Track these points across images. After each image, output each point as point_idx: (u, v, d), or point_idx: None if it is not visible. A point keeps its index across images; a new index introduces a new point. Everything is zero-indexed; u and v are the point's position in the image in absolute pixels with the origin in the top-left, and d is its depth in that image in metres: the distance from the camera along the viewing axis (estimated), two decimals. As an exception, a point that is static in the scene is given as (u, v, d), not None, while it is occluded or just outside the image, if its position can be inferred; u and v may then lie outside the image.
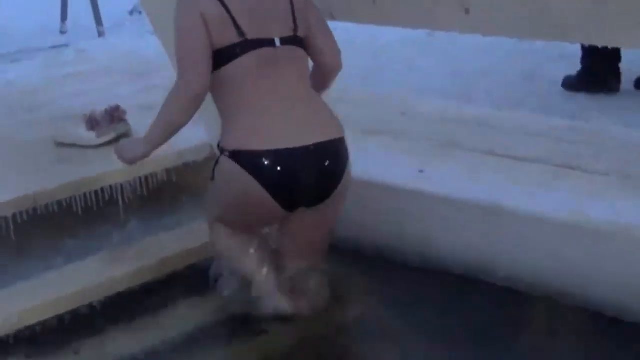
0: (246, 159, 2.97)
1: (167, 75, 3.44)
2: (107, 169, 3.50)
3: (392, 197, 3.39)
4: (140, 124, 3.59)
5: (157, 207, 3.73)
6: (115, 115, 3.87)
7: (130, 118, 3.86)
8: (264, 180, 2.96)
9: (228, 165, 3.00)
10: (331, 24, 3.33)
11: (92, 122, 3.83)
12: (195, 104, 2.99)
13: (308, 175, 3.01)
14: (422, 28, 3.69)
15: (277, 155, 2.97)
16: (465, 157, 3.61)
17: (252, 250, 3.17)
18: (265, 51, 3.08)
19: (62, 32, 7.17)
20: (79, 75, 4.98)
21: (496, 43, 5.60)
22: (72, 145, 3.76)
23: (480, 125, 3.93)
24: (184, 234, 3.46)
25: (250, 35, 3.06)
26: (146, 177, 3.59)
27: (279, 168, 2.97)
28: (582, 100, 5.10)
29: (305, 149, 3.00)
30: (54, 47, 6.52)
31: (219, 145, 3.06)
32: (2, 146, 3.84)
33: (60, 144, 3.79)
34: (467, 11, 3.36)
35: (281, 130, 3.03)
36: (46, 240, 3.49)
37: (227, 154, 3.00)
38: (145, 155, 3.09)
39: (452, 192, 3.28)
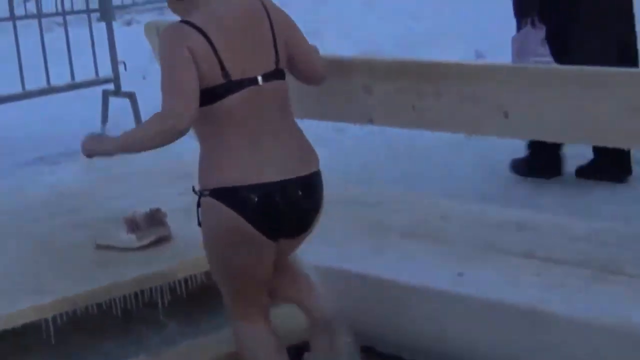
0: (227, 195, 3.05)
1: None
2: (147, 271, 3.54)
3: (432, 300, 3.40)
4: (181, 226, 3.64)
5: (196, 310, 3.75)
6: (155, 217, 3.92)
7: (171, 221, 3.91)
8: (245, 214, 3.05)
9: (211, 204, 3.06)
10: (370, 127, 3.40)
11: (133, 225, 3.87)
12: (174, 138, 3.05)
13: (290, 207, 3.12)
14: (461, 132, 3.74)
15: (258, 188, 3.08)
16: (504, 260, 3.62)
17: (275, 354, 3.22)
18: (248, 91, 3.15)
19: (103, 135, 7.32)
20: (120, 177, 5.06)
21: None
22: (112, 248, 3.81)
23: (519, 228, 3.95)
24: (223, 338, 3.48)
25: (235, 75, 3.13)
26: (185, 280, 3.62)
27: (258, 199, 3.07)
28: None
29: (288, 182, 3.12)
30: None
31: (194, 189, 3.13)
32: (42, 249, 3.89)
33: (101, 246, 3.84)
34: (505, 115, 3.41)
35: (263, 164, 3.13)
36: (85, 342, 3.52)
37: (207, 193, 3.07)
38: (107, 153, 3.22)
39: (492, 295, 3.28)
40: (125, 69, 7.82)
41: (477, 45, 7.95)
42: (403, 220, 4.11)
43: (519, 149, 5.52)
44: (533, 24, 5.03)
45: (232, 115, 3.12)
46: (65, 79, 7.39)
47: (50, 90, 7.27)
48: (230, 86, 3.11)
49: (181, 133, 3.02)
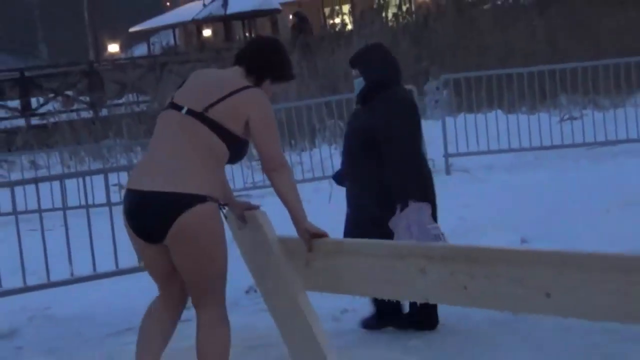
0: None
1: (280, 349, 3.55)
2: None
3: None
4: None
5: None
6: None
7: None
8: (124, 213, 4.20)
9: None
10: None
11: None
12: None
13: (127, 214, 4.16)
14: (507, 310, 3.78)
15: (127, 193, 4.15)
16: None
17: None
18: (169, 112, 4.26)
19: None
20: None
21: (577, 322, 5.60)
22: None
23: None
24: None
25: (175, 99, 4.29)
26: None
27: (126, 204, 4.15)
28: None
29: (131, 192, 4.13)
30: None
31: None
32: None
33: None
34: (547, 295, 3.45)
35: (137, 172, 4.20)
36: None
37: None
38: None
39: None
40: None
41: (523, 232, 8.01)
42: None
43: (564, 326, 5.48)
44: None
45: (156, 127, 4.25)
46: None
47: (140, 268, 7.35)
48: (168, 105, 4.30)
49: None
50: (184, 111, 4.23)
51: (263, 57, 4.50)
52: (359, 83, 5.62)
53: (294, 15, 25.64)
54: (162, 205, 4.05)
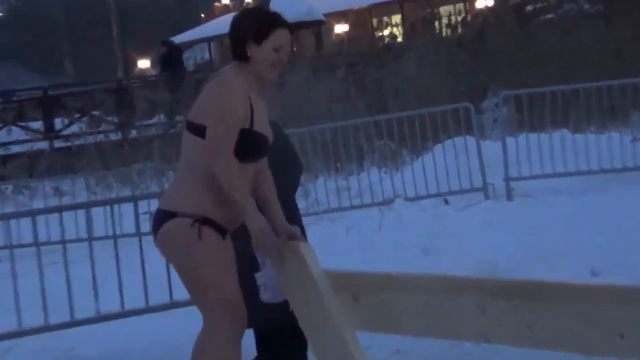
0: None
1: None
2: None
3: None
4: None
5: None
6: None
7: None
8: None
9: None
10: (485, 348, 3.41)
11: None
12: None
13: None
14: (575, 352, 3.72)
15: None
16: None
17: None
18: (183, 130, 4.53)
19: None
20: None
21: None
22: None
23: None
24: None
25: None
26: None
27: None
28: None
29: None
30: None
31: None
32: None
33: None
34: (622, 336, 3.39)
35: None
36: None
37: None
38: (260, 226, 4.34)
39: None
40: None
41: (593, 264, 7.91)
42: None
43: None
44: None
45: None
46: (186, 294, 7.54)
47: (172, 305, 7.35)
48: None
49: None
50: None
51: (232, 30, 4.54)
52: None
53: (163, 44, 24.37)
54: (153, 220, 4.56)
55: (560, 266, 7.72)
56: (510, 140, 12.38)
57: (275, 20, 4.49)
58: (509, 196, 11.89)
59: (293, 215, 5.21)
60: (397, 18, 32.64)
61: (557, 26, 21.34)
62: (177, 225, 4.40)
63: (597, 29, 20.24)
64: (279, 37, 4.46)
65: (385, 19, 32.19)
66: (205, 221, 4.40)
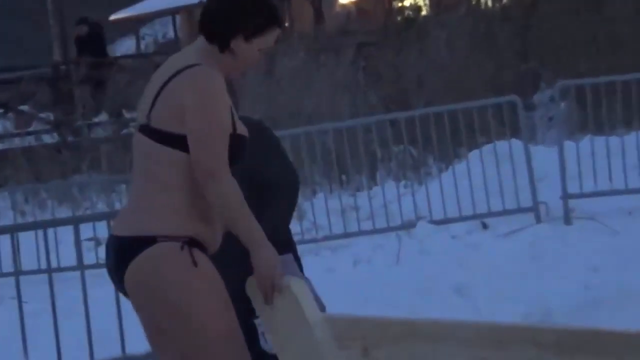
0: None
1: None
2: None
3: None
4: None
5: None
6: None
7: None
8: None
9: None
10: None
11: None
12: None
13: (108, 260, 4.54)
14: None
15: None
16: None
17: None
18: (135, 135, 4.58)
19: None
20: None
21: None
22: None
23: None
24: None
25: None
26: None
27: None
28: None
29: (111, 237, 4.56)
30: None
31: None
32: None
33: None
34: None
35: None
36: None
37: None
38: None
39: None
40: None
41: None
42: None
43: None
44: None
45: None
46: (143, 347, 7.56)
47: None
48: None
49: None
50: (137, 129, 4.58)
51: (220, 7, 4.59)
52: None
53: (80, 22, 24.17)
54: (113, 251, 4.55)
55: (632, 311, 7.75)
56: (569, 145, 12.40)
57: (275, 19, 4.64)
58: (567, 219, 11.91)
59: (287, 241, 5.26)
60: (421, -16, 32.79)
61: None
62: (161, 252, 4.43)
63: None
64: (271, 37, 4.64)
65: (406, -15, 32.29)
66: (192, 243, 4.50)
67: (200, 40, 4.62)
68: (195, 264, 4.45)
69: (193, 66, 4.49)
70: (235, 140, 4.53)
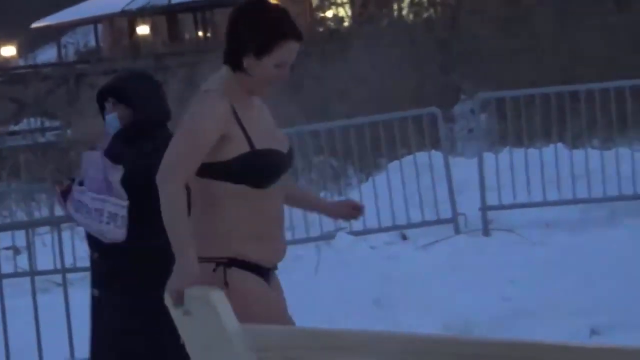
0: None
1: None
2: None
3: None
4: None
5: None
6: None
7: None
8: None
9: None
10: None
11: None
12: None
13: None
14: None
15: None
16: None
17: None
18: None
19: None
20: None
21: None
22: None
23: None
24: None
25: None
26: None
27: None
28: None
29: None
30: None
31: None
32: None
33: None
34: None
35: None
36: None
37: None
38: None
39: None
40: None
41: (593, 320, 8.01)
42: None
43: None
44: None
45: None
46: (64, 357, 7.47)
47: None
48: None
49: None
50: None
51: (229, 29, 4.68)
52: (112, 119, 5.95)
53: None
54: None
55: (552, 323, 7.80)
56: (489, 157, 12.47)
57: (284, 32, 4.67)
58: (486, 231, 11.99)
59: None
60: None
61: (556, 11, 21.54)
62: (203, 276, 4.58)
63: (606, 14, 20.49)
64: (285, 52, 4.68)
65: (329, -4, 32.34)
66: (232, 263, 4.68)
67: (224, 66, 4.74)
68: (226, 284, 4.61)
69: (204, 91, 4.66)
70: (258, 157, 4.66)
